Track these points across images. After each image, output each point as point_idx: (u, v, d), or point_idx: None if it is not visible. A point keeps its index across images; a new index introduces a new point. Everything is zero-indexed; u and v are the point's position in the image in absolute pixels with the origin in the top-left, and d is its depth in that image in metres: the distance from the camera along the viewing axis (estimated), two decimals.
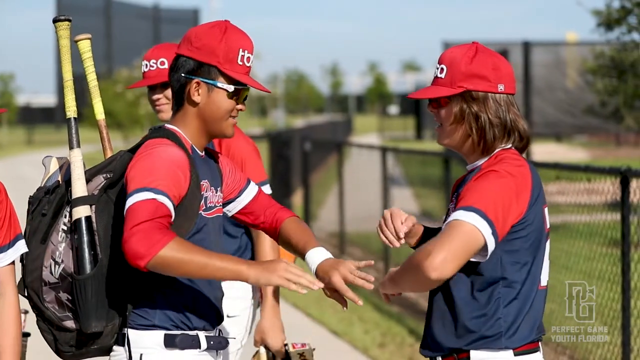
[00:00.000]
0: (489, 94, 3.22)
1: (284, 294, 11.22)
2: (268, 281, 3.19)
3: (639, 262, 7.18)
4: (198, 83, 3.40)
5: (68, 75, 3.70)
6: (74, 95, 3.69)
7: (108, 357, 3.52)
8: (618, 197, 6.75)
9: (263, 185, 4.45)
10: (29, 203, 3.53)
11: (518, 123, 3.25)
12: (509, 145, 3.26)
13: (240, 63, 3.40)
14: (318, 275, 3.36)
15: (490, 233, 3.05)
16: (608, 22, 14.12)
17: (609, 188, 7.51)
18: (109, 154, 3.72)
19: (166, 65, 4.38)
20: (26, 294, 3.50)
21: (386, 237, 3.36)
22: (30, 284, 3.45)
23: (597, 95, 15.09)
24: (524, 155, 3.33)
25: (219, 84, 3.39)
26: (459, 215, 3.07)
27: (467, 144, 3.26)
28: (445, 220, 3.27)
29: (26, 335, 3.80)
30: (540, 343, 3.24)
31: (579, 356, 7.79)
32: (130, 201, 3.19)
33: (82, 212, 3.40)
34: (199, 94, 3.40)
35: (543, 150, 27.11)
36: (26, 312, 3.81)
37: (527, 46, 20.23)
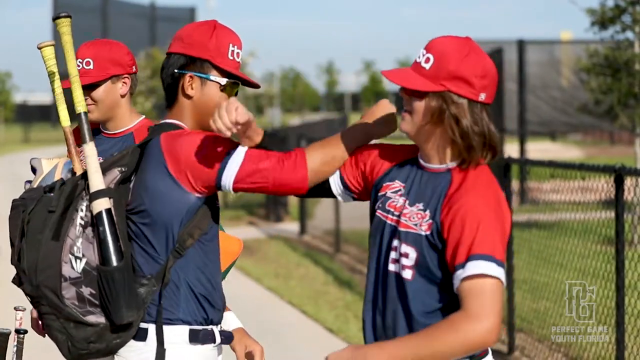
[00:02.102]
0: (469, 101, 3.05)
1: (281, 293, 11.22)
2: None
3: (632, 260, 7.21)
4: (191, 77, 3.43)
5: (74, 70, 3.62)
6: (82, 90, 3.63)
7: (111, 356, 3.45)
8: (612, 195, 6.79)
9: None
10: (20, 205, 3.45)
11: (493, 135, 3.08)
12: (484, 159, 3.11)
13: (231, 58, 3.46)
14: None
15: (504, 276, 2.98)
16: (602, 20, 14.13)
17: (603, 186, 7.55)
18: (76, 160, 3.59)
19: (91, 66, 4.23)
20: (33, 294, 3.40)
21: (220, 125, 3.13)
22: (43, 282, 3.36)
23: (591, 93, 15.10)
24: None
25: (212, 77, 3.43)
26: (481, 268, 2.94)
27: (448, 147, 3.09)
28: (376, 205, 3.24)
29: (23, 332, 3.78)
30: (489, 348, 3.19)
31: (573, 354, 7.81)
32: (232, 171, 3.23)
33: (103, 204, 3.36)
34: (192, 88, 3.43)
35: (537, 149, 27.16)
36: (24, 309, 3.83)
37: (521, 44, 20.23)
